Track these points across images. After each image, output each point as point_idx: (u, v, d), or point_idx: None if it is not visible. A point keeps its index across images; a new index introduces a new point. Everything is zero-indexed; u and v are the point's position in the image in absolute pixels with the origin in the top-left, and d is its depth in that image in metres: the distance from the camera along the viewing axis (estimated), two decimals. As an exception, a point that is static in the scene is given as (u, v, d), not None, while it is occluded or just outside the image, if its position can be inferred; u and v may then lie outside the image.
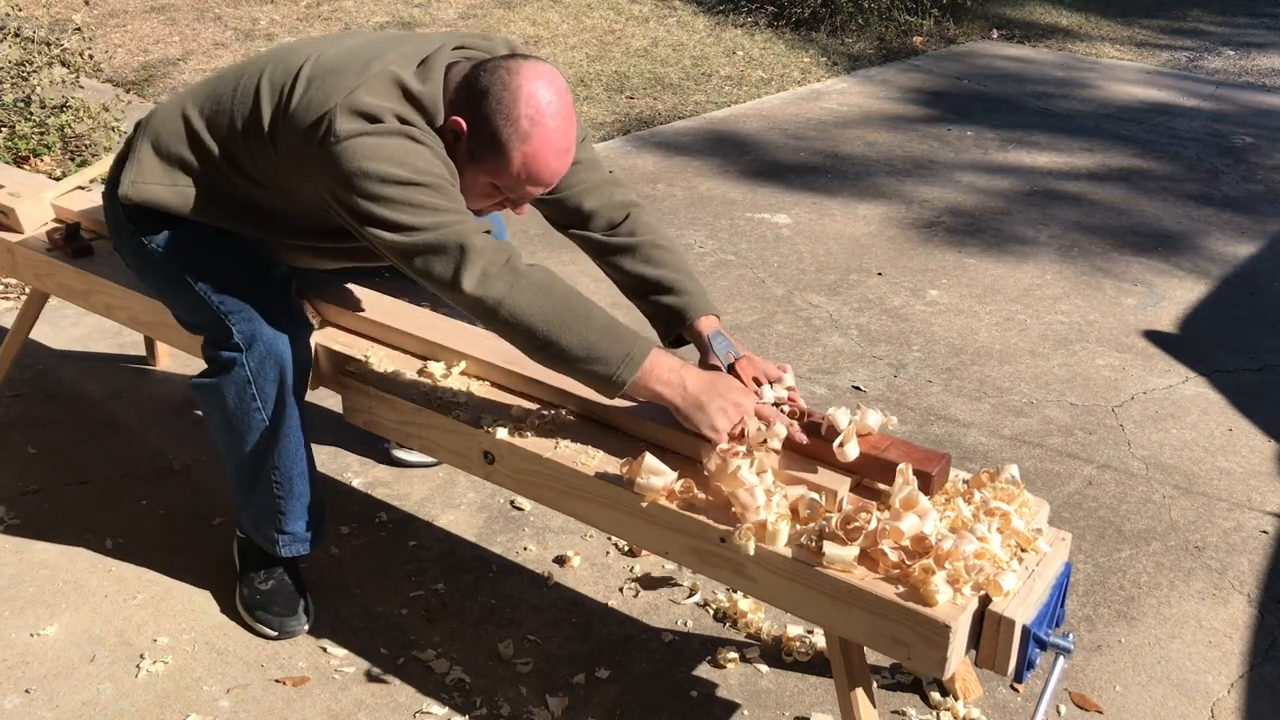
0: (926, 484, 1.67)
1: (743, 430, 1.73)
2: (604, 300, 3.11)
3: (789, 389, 1.85)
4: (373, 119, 1.73)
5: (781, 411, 1.79)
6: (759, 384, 1.84)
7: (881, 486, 1.71)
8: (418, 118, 1.77)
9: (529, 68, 1.76)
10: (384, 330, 2.15)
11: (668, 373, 1.73)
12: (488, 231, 1.77)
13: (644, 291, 2.00)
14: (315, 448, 2.70)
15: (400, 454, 2.66)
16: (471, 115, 1.77)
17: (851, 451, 1.69)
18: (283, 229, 2.00)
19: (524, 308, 1.72)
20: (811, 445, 1.74)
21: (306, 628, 2.14)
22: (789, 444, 1.75)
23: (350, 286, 2.26)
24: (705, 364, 1.91)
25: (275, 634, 2.12)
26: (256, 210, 1.97)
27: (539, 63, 1.79)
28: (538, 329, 1.73)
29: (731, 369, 1.86)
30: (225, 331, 1.96)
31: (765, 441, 1.71)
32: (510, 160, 1.77)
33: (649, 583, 2.31)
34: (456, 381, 2.03)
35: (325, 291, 2.25)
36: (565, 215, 2.04)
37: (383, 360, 2.09)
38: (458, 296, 1.74)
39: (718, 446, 1.71)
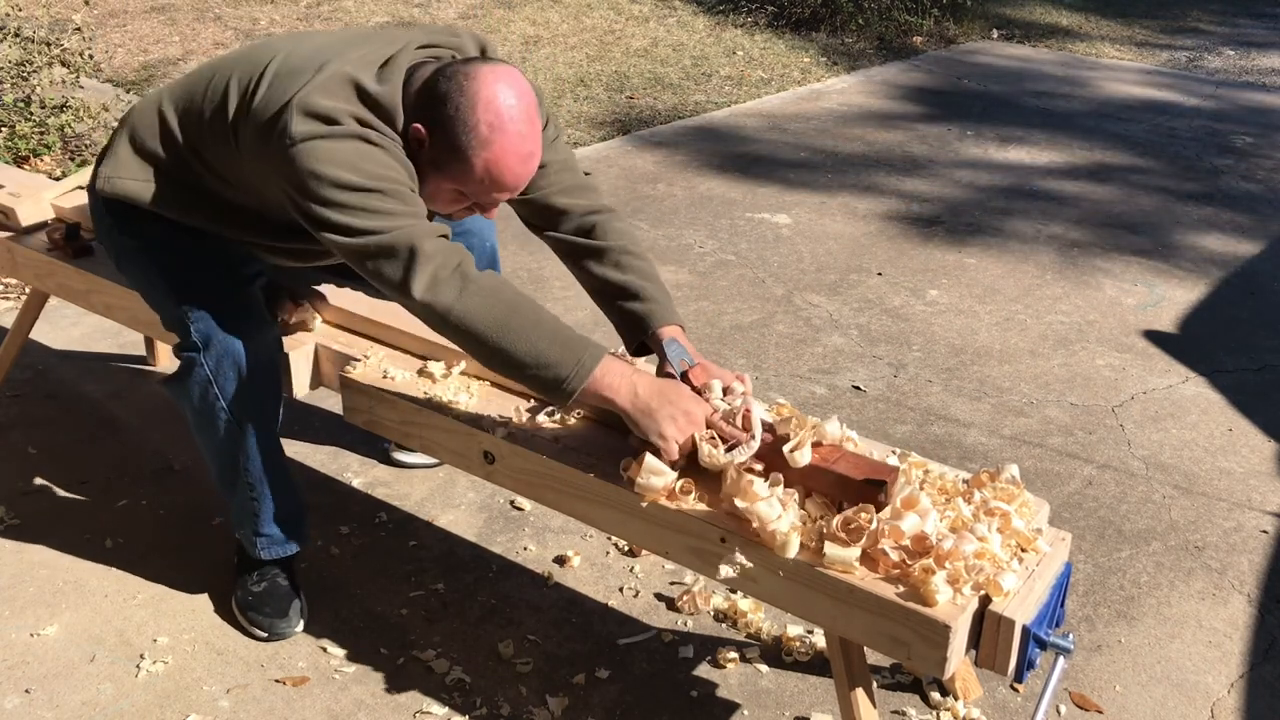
0: (873, 495, 1.62)
1: (694, 448, 1.71)
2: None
3: (743, 394, 1.80)
4: (328, 120, 1.71)
5: (732, 420, 1.75)
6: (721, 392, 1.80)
7: (829, 501, 1.67)
8: (374, 119, 1.76)
9: (488, 71, 1.74)
10: (384, 330, 2.16)
11: (618, 379, 1.72)
12: (444, 236, 1.76)
13: (610, 296, 1.98)
14: (315, 448, 2.72)
15: (400, 455, 2.66)
16: (431, 123, 1.75)
17: (802, 458, 1.65)
18: (250, 227, 2.00)
19: (473, 313, 1.71)
20: (763, 449, 1.70)
21: (298, 629, 2.14)
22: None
23: (351, 288, 2.26)
24: (661, 371, 1.89)
25: (265, 635, 2.12)
26: (225, 207, 1.98)
27: (500, 65, 1.76)
28: (487, 335, 1.71)
29: (685, 377, 1.83)
30: (185, 330, 1.97)
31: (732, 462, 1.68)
32: (472, 167, 1.75)
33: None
34: (456, 381, 2.03)
35: (324, 292, 2.25)
36: (538, 216, 2.03)
37: (383, 360, 2.09)
38: (407, 301, 1.73)
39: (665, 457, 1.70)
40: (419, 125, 1.76)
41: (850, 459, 1.69)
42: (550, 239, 2.04)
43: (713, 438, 1.71)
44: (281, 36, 1.98)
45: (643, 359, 1.98)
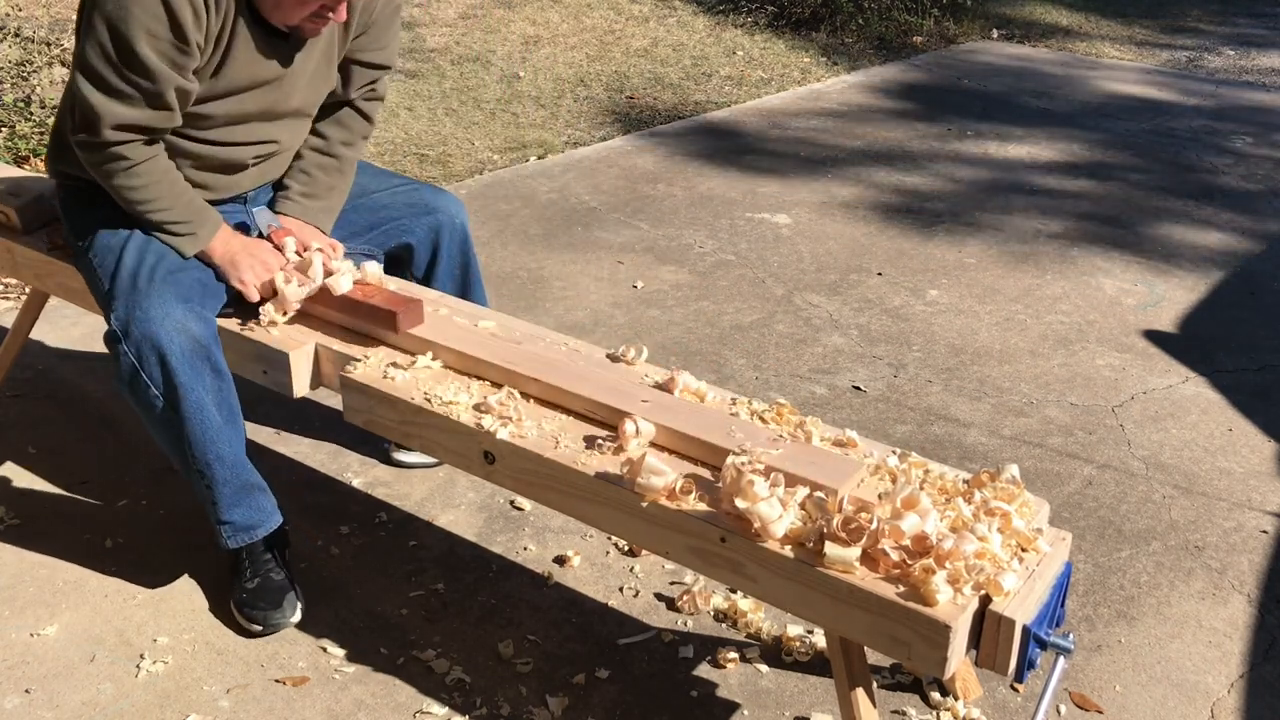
0: (392, 321, 2.05)
1: (274, 289, 2.12)
2: (604, 300, 3.08)
3: (318, 250, 2.18)
4: None
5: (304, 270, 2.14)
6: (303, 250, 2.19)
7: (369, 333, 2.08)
8: None
9: None
10: (384, 330, 2.15)
11: (219, 242, 2.11)
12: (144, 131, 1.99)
13: (294, 177, 2.29)
14: (315, 448, 2.72)
15: (400, 455, 2.66)
16: None
17: (344, 284, 2.11)
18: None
19: (134, 183, 2.03)
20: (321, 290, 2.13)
21: (294, 620, 2.14)
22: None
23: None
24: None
25: (261, 629, 2.12)
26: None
27: None
28: (135, 188, 2.03)
29: (268, 237, 2.21)
30: (107, 319, 2.02)
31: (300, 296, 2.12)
32: None
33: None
34: (456, 381, 2.03)
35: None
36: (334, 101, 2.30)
37: (383, 360, 2.09)
38: (82, 142, 1.99)
39: None
40: None
41: (384, 293, 2.12)
42: (329, 106, 2.31)
43: (287, 280, 2.12)
44: None
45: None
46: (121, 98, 1.93)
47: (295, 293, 2.12)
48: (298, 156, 2.30)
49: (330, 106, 2.30)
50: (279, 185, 2.30)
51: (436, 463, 2.64)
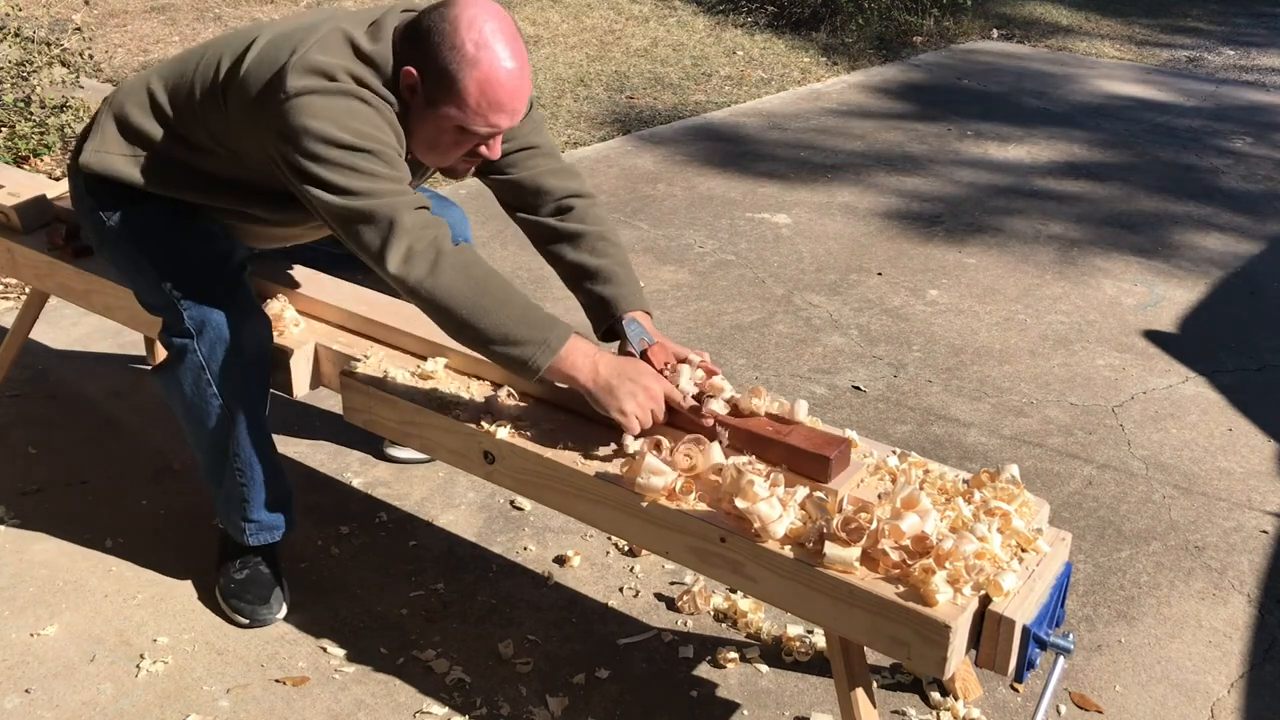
0: (824, 469, 1.70)
1: (656, 420, 1.79)
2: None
3: (703, 366, 1.87)
4: (326, 76, 1.75)
5: (693, 395, 1.82)
6: (674, 370, 1.86)
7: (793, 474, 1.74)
8: (371, 76, 1.79)
9: (464, 1, 1.79)
10: (384, 330, 2.15)
11: (581, 358, 1.77)
12: (424, 208, 1.79)
13: (580, 280, 2.02)
14: (315, 447, 2.72)
15: (394, 451, 2.67)
16: (419, 59, 1.79)
17: (707, 421, 1.76)
18: (238, 199, 2.02)
19: (444, 289, 1.75)
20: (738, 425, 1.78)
21: (280, 616, 2.15)
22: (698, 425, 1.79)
23: (350, 286, 2.26)
24: (622, 351, 1.93)
25: (247, 622, 2.13)
26: (213, 180, 2.00)
27: None
28: (456, 311, 1.75)
29: (644, 355, 1.87)
30: (177, 316, 1.99)
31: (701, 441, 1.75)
32: (465, 90, 1.77)
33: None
34: (456, 381, 2.03)
35: (324, 292, 2.25)
36: (517, 196, 2.06)
37: (383, 360, 2.09)
38: (382, 271, 1.77)
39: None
40: (409, 69, 1.79)
41: (803, 432, 1.76)
42: (524, 221, 2.07)
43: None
44: (270, 20, 2.02)
45: (613, 344, 2.00)
46: (387, 179, 1.77)
47: (717, 408, 1.79)
48: (578, 267, 2.01)
49: (535, 226, 2.06)
50: (589, 278, 2.00)
51: (432, 459, 2.64)
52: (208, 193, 2.01)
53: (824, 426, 1.83)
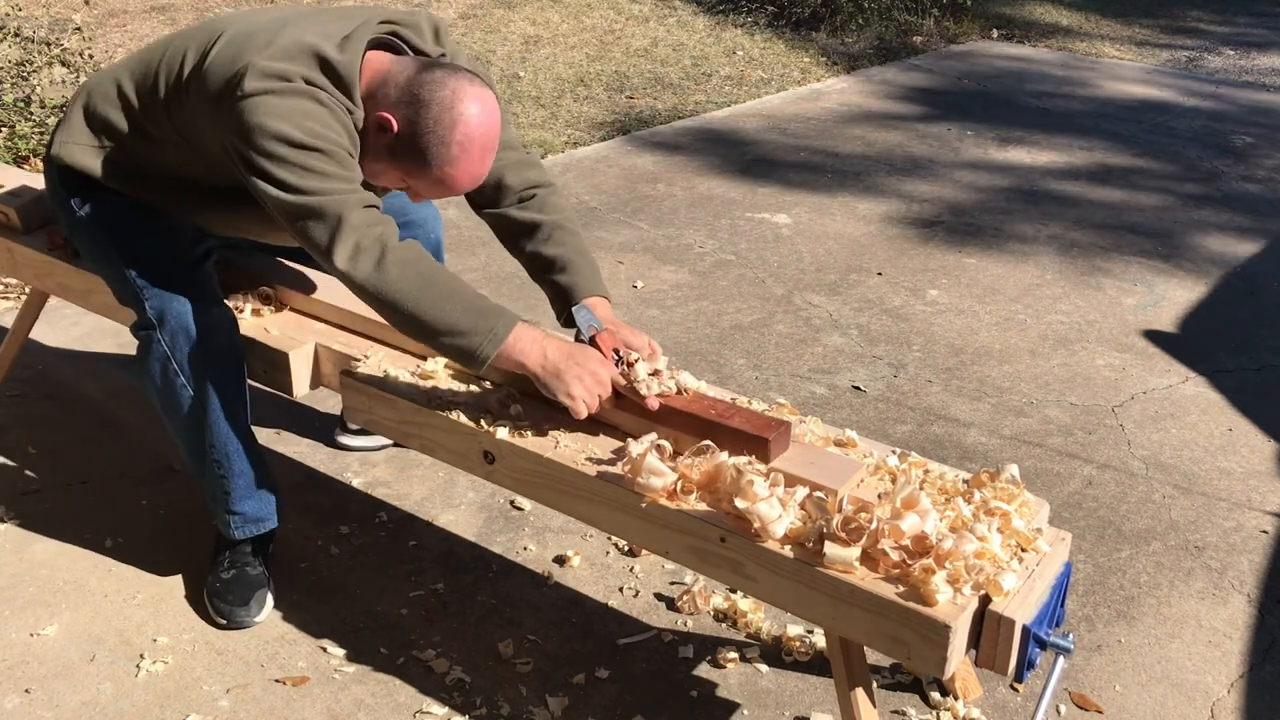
0: (764, 450, 1.74)
1: (602, 403, 1.84)
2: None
3: (648, 358, 1.91)
4: (281, 78, 1.78)
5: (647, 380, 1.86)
6: (620, 356, 1.88)
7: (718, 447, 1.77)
8: (328, 84, 1.81)
9: (473, 93, 1.81)
10: (384, 330, 2.15)
11: (529, 345, 1.82)
12: (374, 207, 1.83)
13: (541, 271, 2.06)
14: (315, 448, 2.72)
15: (345, 439, 2.70)
16: (404, 120, 1.82)
17: (652, 403, 1.81)
18: (201, 195, 2.04)
19: (390, 283, 1.78)
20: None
21: (258, 619, 2.15)
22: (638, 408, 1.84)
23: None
24: (577, 339, 1.96)
25: (225, 623, 2.14)
26: (176, 175, 2.03)
27: (480, 86, 1.83)
28: (403, 304, 1.79)
29: (593, 341, 1.91)
30: (141, 307, 2.02)
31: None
32: (431, 173, 1.84)
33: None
34: (456, 381, 2.03)
35: (324, 292, 2.25)
36: (479, 193, 2.09)
37: (383, 360, 2.09)
38: (330, 267, 1.81)
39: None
40: (389, 116, 1.82)
41: (745, 414, 1.81)
42: (487, 215, 2.11)
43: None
44: (238, 13, 2.05)
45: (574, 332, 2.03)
46: (337, 178, 1.79)
47: (649, 382, 1.83)
48: (536, 257, 2.06)
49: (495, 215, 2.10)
50: (549, 265, 2.05)
51: (381, 446, 2.67)
52: (169, 184, 2.05)
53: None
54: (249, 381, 2.15)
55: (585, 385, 1.81)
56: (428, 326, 1.79)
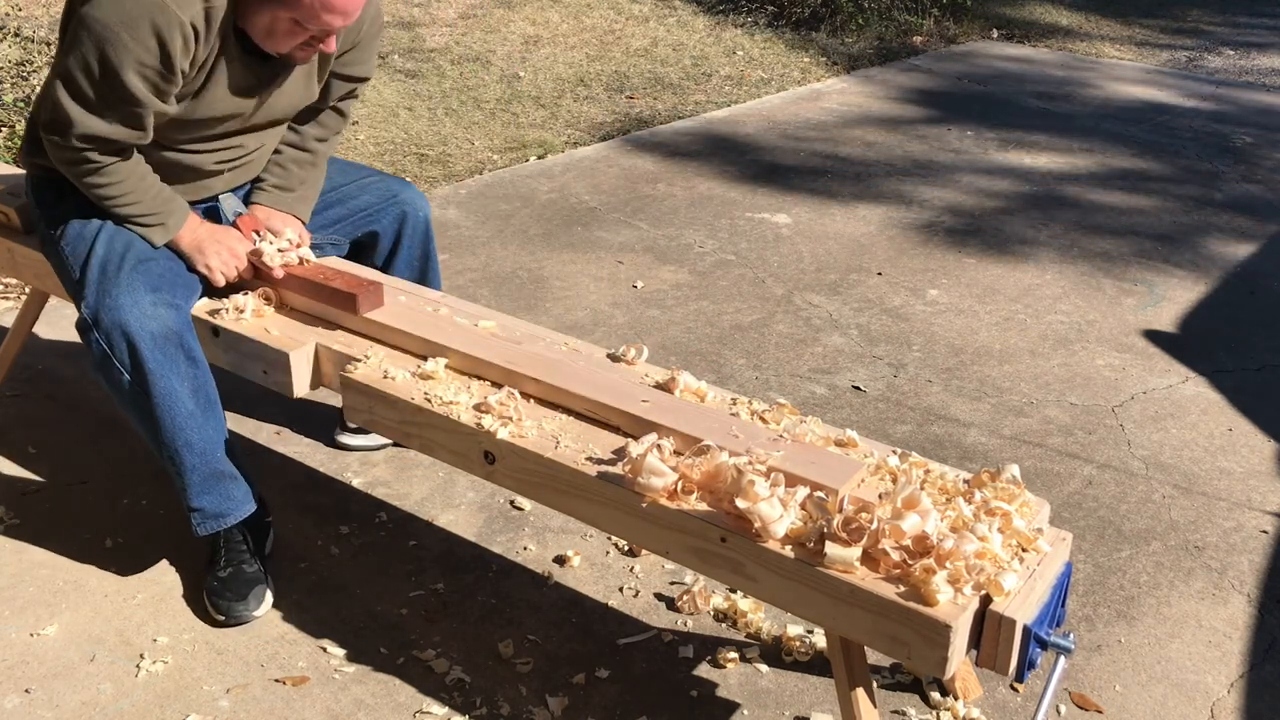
0: (351, 303, 2.11)
1: (241, 274, 2.18)
2: (604, 300, 3.09)
3: (289, 240, 2.24)
4: None
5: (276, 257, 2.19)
6: (260, 235, 2.22)
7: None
8: None
9: None
10: (384, 330, 2.15)
11: (186, 231, 2.14)
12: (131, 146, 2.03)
13: (270, 165, 2.32)
14: (315, 447, 2.72)
15: (345, 439, 2.70)
16: None
17: (278, 273, 2.18)
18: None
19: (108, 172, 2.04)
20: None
21: (257, 614, 2.15)
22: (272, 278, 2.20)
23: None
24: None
25: (224, 619, 2.13)
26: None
27: None
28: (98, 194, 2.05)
29: (235, 224, 2.25)
30: (78, 307, 2.05)
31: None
32: None
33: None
34: (456, 381, 2.03)
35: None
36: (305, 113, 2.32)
37: (383, 360, 2.09)
38: (63, 138, 1.99)
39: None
40: None
41: (345, 278, 2.17)
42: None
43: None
44: None
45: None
46: (98, 113, 1.96)
47: (273, 254, 2.19)
48: (275, 151, 2.33)
49: (307, 110, 2.32)
50: (255, 180, 2.33)
51: (381, 445, 2.67)
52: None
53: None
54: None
55: (222, 259, 2.15)
56: (116, 202, 2.07)
